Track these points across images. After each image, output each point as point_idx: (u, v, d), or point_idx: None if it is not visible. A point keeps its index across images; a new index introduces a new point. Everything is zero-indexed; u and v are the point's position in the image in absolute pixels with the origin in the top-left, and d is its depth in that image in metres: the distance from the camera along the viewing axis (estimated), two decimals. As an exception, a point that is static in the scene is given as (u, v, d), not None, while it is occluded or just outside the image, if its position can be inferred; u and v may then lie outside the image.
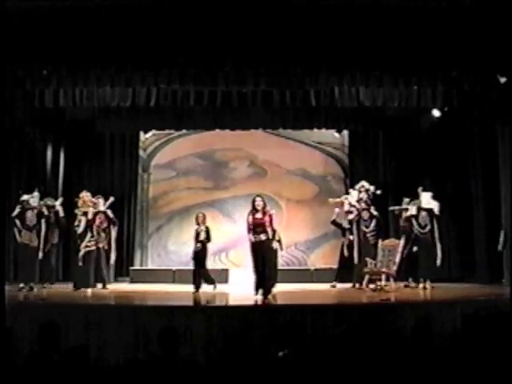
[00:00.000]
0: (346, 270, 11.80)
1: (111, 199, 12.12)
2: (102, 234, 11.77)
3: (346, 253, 11.84)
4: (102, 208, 11.90)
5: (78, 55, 9.55)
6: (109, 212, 11.97)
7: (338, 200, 12.39)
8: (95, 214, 11.57)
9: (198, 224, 11.34)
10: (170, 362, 4.56)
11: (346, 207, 11.99)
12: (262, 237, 9.78)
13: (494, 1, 9.19)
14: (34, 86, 10.15)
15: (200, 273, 11.13)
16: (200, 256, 11.21)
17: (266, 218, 9.85)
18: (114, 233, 12.14)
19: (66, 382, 4.38)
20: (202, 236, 11.21)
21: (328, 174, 14.65)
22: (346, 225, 11.97)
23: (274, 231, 10.08)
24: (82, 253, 10.97)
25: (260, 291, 9.70)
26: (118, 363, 6.33)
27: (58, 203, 11.55)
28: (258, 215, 9.85)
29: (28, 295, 10.40)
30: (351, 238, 11.75)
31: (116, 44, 9.52)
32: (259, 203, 9.92)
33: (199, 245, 11.17)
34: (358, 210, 11.80)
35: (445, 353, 4.79)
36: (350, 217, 11.81)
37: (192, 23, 9.37)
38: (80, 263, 10.97)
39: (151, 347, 7.07)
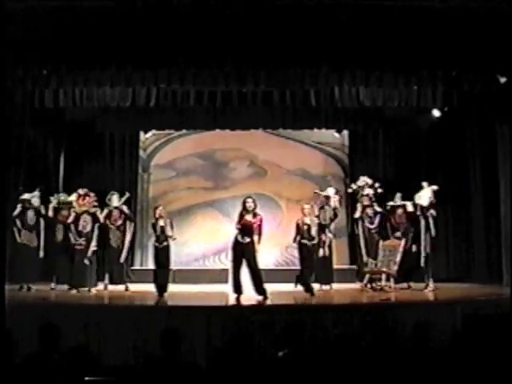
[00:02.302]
0: (325, 271, 11.42)
1: (127, 195, 12.02)
2: (117, 232, 11.46)
3: (327, 252, 11.32)
4: (116, 204, 11.64)
5: (77, 55, 9.55)
6: (124, 208, 11.69)
7: (322, 193, 12.24)
8: (110, 211, 11.47)
9: (158, 218, 10.65)
10: (170, 364, 4.56)
11: (332, 203, 11.81)
12: (247, 239, 9.71)
13: (494, 1, 9.19)
14: (33, 86, 10.15)
15: (164, 274, 10.47)
16: (165, 254, 10.56)
17: (256, 221, 9.80)
18: (129, 230, 11.73)
19: (65, 382, 4.38)
20: (168, 231, 10.57)
21: (328, 174, 14.62)
22: (325, 222, 11.47)
23: (260, 234, 9.86)
24: (90, 253, 10.94)
25: (239, 293, 9.64)
26: (118, 364, 6.33)
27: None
28: (248, 217, 9.78)
29: (28, 296, 10.39)
30: (331, 236, 11.49)
31: (116, 44, 9.52)
32: (250, 204, 9.83)
33: (165, 242, 10.52)
34: (336, 208, 11.64)
35: (445, 353, 4.79)
36: (327, 214, 11.56)
37: (192, 23, 9.38)
38: (87, 262, 10.87)
39: (151, 348, 7.06)
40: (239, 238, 9.72)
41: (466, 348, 4.86)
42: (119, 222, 11.50)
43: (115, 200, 11.69)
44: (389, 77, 10.09)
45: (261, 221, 9.84)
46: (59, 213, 11.50)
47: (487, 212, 12.27)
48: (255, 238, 9.75)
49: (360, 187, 11.89)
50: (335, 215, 11.66)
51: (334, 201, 11.76)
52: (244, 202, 9.89)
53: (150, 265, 14.13)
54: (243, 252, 9.69)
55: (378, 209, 11.64)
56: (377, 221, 11.56)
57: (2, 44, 8.21)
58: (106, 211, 11.52)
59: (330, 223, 11.51)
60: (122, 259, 11.49)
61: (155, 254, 10.72)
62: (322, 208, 11.58)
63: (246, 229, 9.70)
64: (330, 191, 11.99)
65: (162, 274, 10.57)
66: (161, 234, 10.61)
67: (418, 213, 11.20)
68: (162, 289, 10.41)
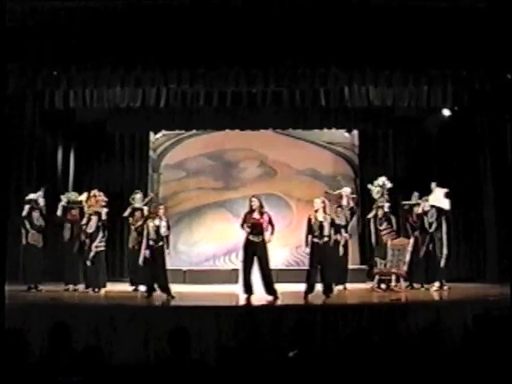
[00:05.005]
0: (339, 271, 11.21)
1: (151, 195, 11.97)
2: (133, 233, 11.28)
3: (341, 252, 11.21)
4: (138, 204, 11.54)
5: (87, 56, 9.58)
6: (146, 209, 11.55)
7: (336, 192, 12.19)
8: (133, 210, 11.42)
9: (155, 217, 10.36)
10: (179, 363, 4.56)
11: (345, 202, 11.74)
12: (258, 238, 9.78)
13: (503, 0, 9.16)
14: (44, 87, 10.18)
15: (159, 275, 10.11)
16: (160, 255, 10.20)
17: (265, 218, 9.86)
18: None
19: (76, 382, 4.39)
20: (163, 231, 10.26)
21: (338, 174, 14.61)
22: (341, 222, 11.29)
23: (272, 230, 9.90)
24: (92, 253, 10.94)
25: (250, 293, 9.71)
26: (128, 364, 6.34)
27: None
28: (255, 215, 9.87)
29: (38, 296, 10.42)
30: (346, 236, 11.37)
31: (126, 44, 9.54)
32: (254, 203, 9.93)
33: (161, 242, 10.18)
34: (353, 208, 11.65)
35: (455, 353, 4.77)
36: (343, 214, 11.49)
37: (201, 23, 9.39)
38: (89, 263, 10.84)
39: (161, 348, 7.07)
40: (250, 237, 9.79)
41: (477, 348, 4.84)
42: (139, 223, 11.24)
43: (139, 199, 11.64)
44: (398, 76, 10.07)
45: (269, 217, 9.93)
46: (69, 212, 11.40)
47: (498, 211, 12.22)
48: (266, 236, 9.82)
49: (373, 187, 11.80)
50: (352, 215, 11.63)
51: (349, 200, 11.75)
52: (249, 202, 10.02)
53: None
54: (255, 251, 9.79)
55: (387, 210, 11.54)
56: (385, 223, 11.46)
57: (12, 45, 8.23)
58: (128, 210, 11.52)
59: (346, 223, 11.48)
60: (140, 261, 10.79)
61: (151, 255, 10.23)
62: (339, 206, 11.54)
63: (255, 227, 9.78)
64: (347, 191, 11.96)
65: (155, 276, 10.24)
66: (155, 234, 10.23)
67: (433, 214, 11.18)
68: (149, 289, 10.20)
